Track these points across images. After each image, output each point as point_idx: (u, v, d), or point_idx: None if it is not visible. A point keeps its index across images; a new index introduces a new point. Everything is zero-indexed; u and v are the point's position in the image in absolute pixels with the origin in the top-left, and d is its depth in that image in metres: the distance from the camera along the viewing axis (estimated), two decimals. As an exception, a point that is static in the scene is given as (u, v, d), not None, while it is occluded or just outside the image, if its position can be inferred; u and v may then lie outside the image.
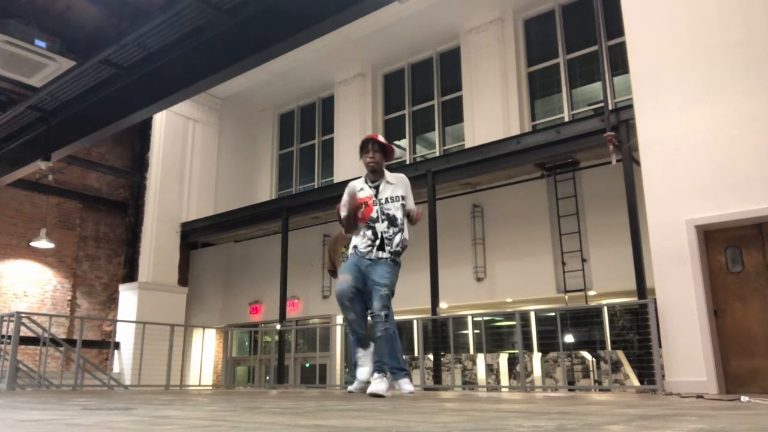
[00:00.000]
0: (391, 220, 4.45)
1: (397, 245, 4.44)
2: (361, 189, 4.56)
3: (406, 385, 4.83)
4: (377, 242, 4.43)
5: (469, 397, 4.71)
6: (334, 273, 5.99)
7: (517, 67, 11.62)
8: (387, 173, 4.58)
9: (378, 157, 4.51)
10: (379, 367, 4.50)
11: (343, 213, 4.55)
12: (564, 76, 11.26)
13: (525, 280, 10.16)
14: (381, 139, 4.58)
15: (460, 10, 11.94)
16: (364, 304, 4.50)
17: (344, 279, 4.42)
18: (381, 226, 4.43)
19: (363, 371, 4.52)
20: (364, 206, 4.47)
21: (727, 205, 6.14)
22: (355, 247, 4.55)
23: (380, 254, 4.41)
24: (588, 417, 2.02)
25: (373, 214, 4.47)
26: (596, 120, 8.40)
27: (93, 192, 14.98)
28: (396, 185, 4.53)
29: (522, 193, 10.53)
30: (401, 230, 4.48)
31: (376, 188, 4.52)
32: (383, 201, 4.47)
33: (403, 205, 4.50)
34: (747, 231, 6.29)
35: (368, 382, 4.45)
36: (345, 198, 4.57)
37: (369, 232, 4.45)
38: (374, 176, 4.57)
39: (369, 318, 4.51)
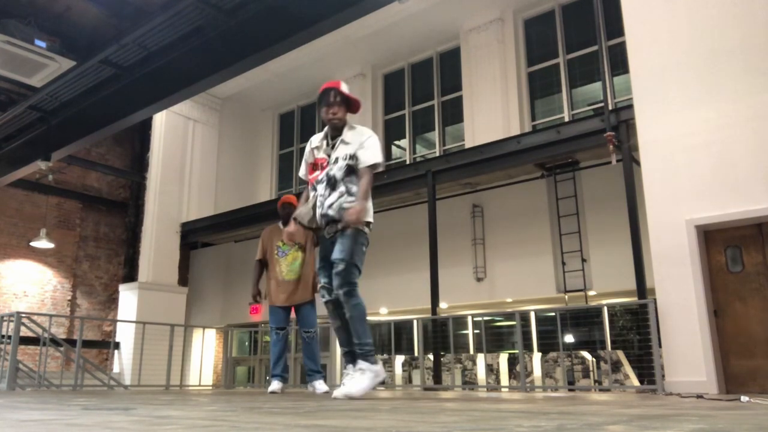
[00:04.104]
0: (331, 182, 3.78)
1: (329, 207, 3.76)
2: (317, 147, 3.94)
3: (320, 386, 5.33)
4: (317, 207, 3.85)
5: (469, 397, 4.71)
6: (261, 264, 5.81)
7: (517, 67, 11.62)
8: (347, 129, 3.87)
9: (340, 112, 3.82)
10: (359, 353, 3.73)
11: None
12: (564, 76, 11.27)
13: (525, 280, 10.16)
14: (343, 88, 3.87)
15: (460, 10, 11.94)
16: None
17: (319, 281, 3.96)
18: (321, 188, 3.81)
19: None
20: (320, 167, 3.88)
21: (727, 205, 6.14)
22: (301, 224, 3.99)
23: (318, 212, 3.81)
24: (588, 417, 2.02)
25: (320, 176, 3.84)
26: (596, 120, 8.40)
27: (93, 192, 14.98)
28: (350, 143, 3.81)
29: (522, 193, 10.53)
30: (344, 191, 3.76)
31: (333, 146, 3.86)
32: (333, 161, 3.81)
33: (349, 166, 3.76)
34: (747, 231, 6.29)
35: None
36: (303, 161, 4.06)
37: (312, 197, 3.90)
38: (335, 132, 3.88)
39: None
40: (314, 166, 3.93)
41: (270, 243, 5.77)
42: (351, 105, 3.89)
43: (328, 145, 3.89)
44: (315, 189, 3.88)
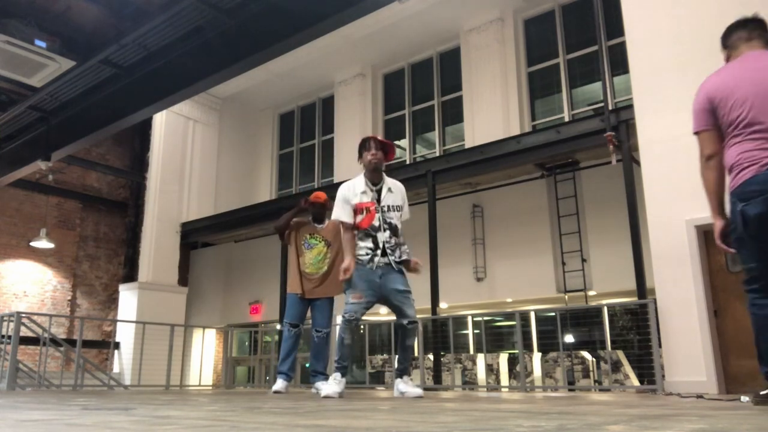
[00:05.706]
0: (393, 230, 4.30)
1: (400, 256, 4.32)
2: (363, 192, 4.32)
3: (325, 388, 4.98)
4: (378, 251, 4.24)
5: (469, 397, 4.71)
6: (282, 236, 5.86)
7: (517, 67, 11.62)
8: (386, 178, 4.45)
9: (380, 155, 4.35)
10: (403, 369, 4.39)
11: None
12: (564, 76, 11.26)
13: (525, 280, 10.16)
14: (381, 138, 4.50)
15: (460, 10, 11.94)
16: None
17: (357, 297, 4.22)
18: (383, 236, 4.26)
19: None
20: (365, 212, 4.27)
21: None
22: (359, 259, 4.29)
23: (390, 259, 4.24)
24: (588, 417, 2.02)
25: (375, 222, 4.27)
26: (596, 120, 8.40)
27: (93, 192, 14.98)
28: (396, 194, 4.40)
29: (522, 193, 10.53)
30: (402, 243, 4.37)
31: (378, 192, 4.34)
32: (386, 209, 4.30)
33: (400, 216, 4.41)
34: (747, 231, 6.27)
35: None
36: (339, 204, 4.35)
37: (369, 242, 4.25)
38: (375, 177, 4.36)
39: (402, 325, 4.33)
40: (357, 210, 4.32)
41: (299, 233, 5.75)
42: (387, 151, 4.44)
43: (372, 190, 4.35)
44: (371, 235, 4.28)
